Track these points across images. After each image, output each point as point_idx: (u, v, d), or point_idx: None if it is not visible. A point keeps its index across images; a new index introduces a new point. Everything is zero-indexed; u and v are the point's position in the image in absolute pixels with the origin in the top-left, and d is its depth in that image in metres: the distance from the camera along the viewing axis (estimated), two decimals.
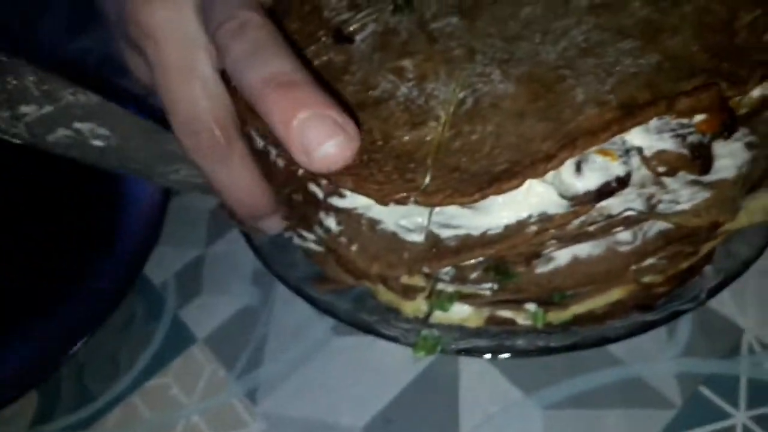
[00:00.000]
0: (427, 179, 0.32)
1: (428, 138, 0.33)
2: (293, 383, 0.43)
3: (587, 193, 0.31)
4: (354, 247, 0.36)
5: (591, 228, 0.32)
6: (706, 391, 0.38)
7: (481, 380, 0.41)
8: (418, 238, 0.34)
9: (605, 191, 0.31)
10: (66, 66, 0.43)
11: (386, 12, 0.39)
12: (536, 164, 0.30)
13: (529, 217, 0.32)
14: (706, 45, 0.33)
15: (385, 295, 0.40)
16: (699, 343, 0.39)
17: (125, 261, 0.47)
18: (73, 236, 0.52)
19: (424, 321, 0.39)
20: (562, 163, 0.30)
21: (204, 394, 0.43)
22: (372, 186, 0.32)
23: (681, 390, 0.38)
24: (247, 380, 0.43)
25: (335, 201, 0.35)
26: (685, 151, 0.31)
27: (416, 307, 0.40)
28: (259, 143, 0.39)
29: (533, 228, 0.32)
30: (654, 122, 0.32)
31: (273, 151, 0.38)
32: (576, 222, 0.32)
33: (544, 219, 0.32)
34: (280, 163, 0.38)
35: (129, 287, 0.47)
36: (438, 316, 0.39)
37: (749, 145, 0.34)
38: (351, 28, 0.39)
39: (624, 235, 0.35)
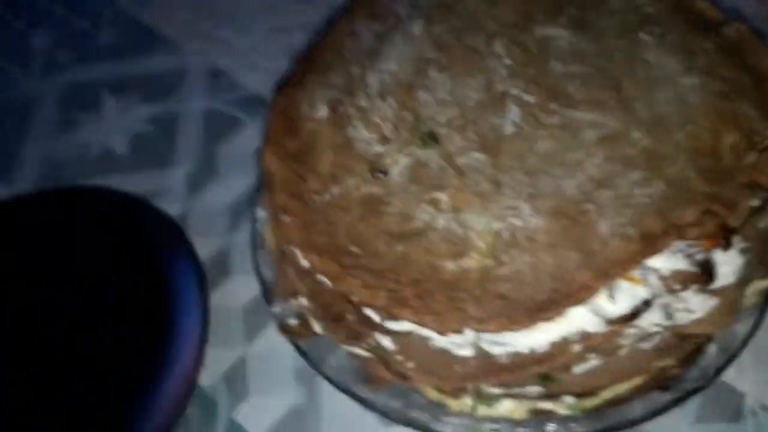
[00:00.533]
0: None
1: (472, 267, 0.38)
2: None
3: (621, 317, 0.36)
4: (410, 365, 0.40)
5: (624, 342, 0.38)
6: None
7: None
8: (467, 352, 0.39)
9: (636, 314, 0.36)
10: None
11: (414, 146, 0.43)
12: (577, 294, 0.35)
13: (572, 334, 0.37)
14: (700, 171, 0.39)
15: (432, 392, 0.45)
16: (707, 410, 0.45)
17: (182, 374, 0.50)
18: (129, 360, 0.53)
19: (472, 415, 0.44)
20: (597, 292, 0.35)
21: None
22: (429, 317, 0.37)
23: None
24: None
25: (390, 325, 0.40)
26: (695, 269, 0.37)
27: (462, 402, 0.45)
28: (305, 263, 0.43)
29: (577, 347, 0.37)
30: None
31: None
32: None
33: (584, 336, 0.37)
34: (328, 282, 0.42)
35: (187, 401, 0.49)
36: (484, 410, 0.44)
37: (743, 251, 0.40)
38: (385, 161, 0.43)
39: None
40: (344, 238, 0.40)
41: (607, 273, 0.35)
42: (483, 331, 0.36)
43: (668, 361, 0.43)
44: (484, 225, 0.39)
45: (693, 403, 0.46)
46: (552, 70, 0.44)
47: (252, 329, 0.55)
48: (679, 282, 0.37)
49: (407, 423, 0.44)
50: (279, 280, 0.50)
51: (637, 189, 0.38)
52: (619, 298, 0.36)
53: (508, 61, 0.45)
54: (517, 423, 0.44)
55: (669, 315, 0.38)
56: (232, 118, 0.70)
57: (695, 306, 0.38)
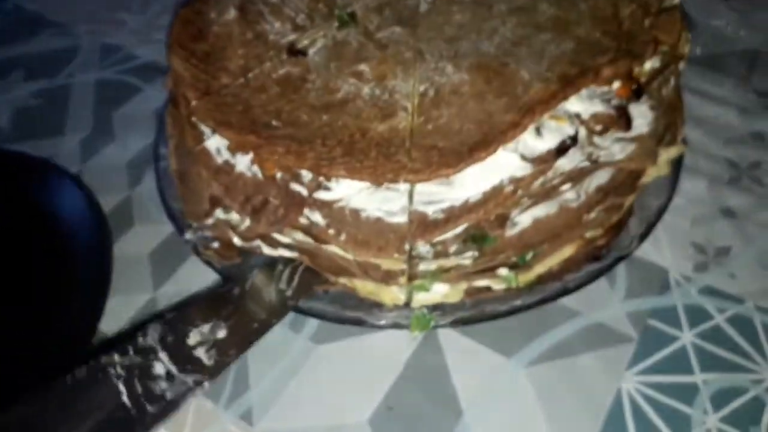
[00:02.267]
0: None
1: (401, 126, 0.37)
2: (287, 397, 0.43)
3: (549, 152, 0.36)
4: (342, 236, 0.38)
5: (555, 181, 0.38)
6: (654, 322, 0.44)
7: (465, 355, 0.44)
8: (401, 219, 0.38)
9: (562, 149, 0.36)
10: None
11: (332, 29, 0.43)
12: (506, 132, 0.35)
13: (501, 181, 0.37)
14: (604, 31, 0.41)
15: (364, 288, 0.43)
16: (636, 287, 0.46)
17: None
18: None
19: (407, 306, 0.42)
20: (526, 128, 0.35)
21: (194, 428, 0.42)
22: (365, 171, 0.35)
23: (634, 325, 0.44)
24: (237, 406, 0.43)
25: (321, 195, 0.38)
26: (612, 112, 0.38)
27: (395, 296, 0.42)
28: (219, 160, 0.41)
29: (509, 188, 0.36)
30: (585, 91, 0.38)
31: (242, 163, 0.40)
32: (539, 182, 0.38)
33: (515, 180, 0.37)
34: (249, 173, 0.40)
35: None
36: (419, 299, 0.42)
37: (652, 107, 0.42)
38: (301, 45, 0.43)
39: (570, 194, 0.41)
40: (263, 114, 0.39)
41: (532, 110, 0.36)
42: (418, 180, 0.35)
43: (596, 232, 0.44)
44: (409, 88, 0.38)
45: (622, 283, 0.46)
46: None
47: (160, 275, 0.51)
48: (599, 123, 0.38)
49: (345, 321, 0.42)
50: (187, 207, 0.47)
51: (550, 45, 0.40)
52: (546, 135, 0.36)
53: None
54: (454, 308, 0.42)
55: (593, 161, 0.38)
56: (126, 85, 0.68)
57: (616, 151, 0.39)
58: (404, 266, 0.40)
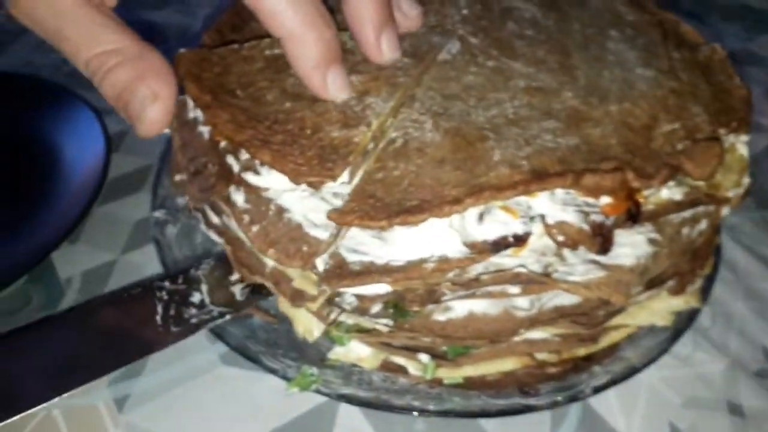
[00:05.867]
0: (342, 203, 0.33)
1: (356, 139, 0.34)
2: (166, 400, 0.41)
3: (484, 242, 0.31)
4: (255, 228, 0.35)
5: (484, 277, 0.33)
6: None
7: None
8: (321, 234, 0.34)
9: (502, 244, 0.31)
10: None
11: (346, 35, 0.41)
12: (442, 205, 0.31)
13: (431, 256, 0.33)
14: (623, 141, 0.35)
15: (282, 303, 0.40)
16: None
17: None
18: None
19: (322, 360, 0.39)
20: (466, 208, 0.31)
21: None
22: (289, 164, 0.32)
23: None
24: (119, 387, 0.41)
25: (249, 176, 0.35)
26: (585, 227, 0.33)
27: (308, 327, 0.39)
28: (191, 114, 0.40)
29: (431, 265, 0.32)
30: (561, 194, 0.33)
31: (201, 121, 0.38)
32: (472, 272, 0.33)
33: (443, 260, 0.32)
34: (205, 133, 0.38)
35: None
36: (335, 352, 0.39)
37: (652, 241, 0.35)
38: None
39: (522, 301, 0.35)
40: (234, 81, 0.37)
41: (480, 192, 0.31)
42: (341, 222, 0.32)
43: (549, 356, 0.37)
44: (385, 109, 0.35)
45: (570, 428, 0.39)
46: (506, 28, 0.42)
47: (134, 242, 0.51)
48: (563, 234, 0.32)
49: (240, 350, 0.39)
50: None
51: (548, 135, 0.35)
52: (488, 223, 0.31)
53: (465, 11, 0.43)
54: (358, 382, 0.38)
55: (546, 273, 0.33)
56: None
57: (578, 272, 0.33)
58: (315, 292, 0.36)
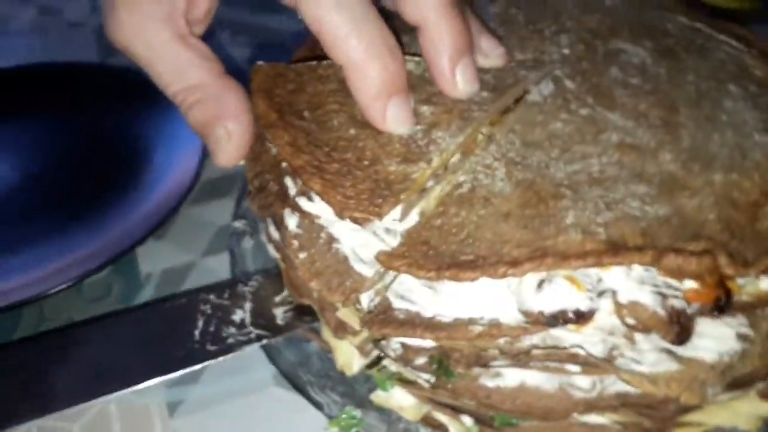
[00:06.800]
0: (396, 242, 0.31)
1: (414, 176, 0.32)
2: (214, 413, 0.41)
3: (540, 314, 0.29)
4: (302, 255, 0.34)
5: (536, 351, 0.30)
6: None
7: None
8: (367, 271, 0.33)
9: (560, 318, 0.29)
10: None
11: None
12: (498, 265, 0.29)
13: (481, 318, 0.30)
14: (723, 217, 0.31)
15: (326, 331, 0.39)
16: None
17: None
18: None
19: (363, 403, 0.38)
20: (524, 273, 0.29)
21: None
22: (337, 196, 0.31)
23: None
24: (174, 392, 0.42)
25: (302, 202, 0.35)
26: (661, 312, 0.29)
27: (348, 360, 0.38)
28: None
29: (479, 328, 0.30)
30: (639, 271, 0.30)
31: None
32: (525, 342, 0.30)
33: (494, 324, 0.30)
34: (273, 149, 0.38)
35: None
36: (378, 395, 0.37)
37: (742, 337, 0.31)
38: None
39: (583, 381, 0.32)
40: (304, 101, 0.36)
41: (543, 258, 0.28)
42: (387, 266, 0.31)
43: None
44: (451, 145, 0.33)
45: None
46: (608, 74, 0.39)
47: (214, 247, 0.53)
48: (634, 316, 0.29)
49: (289, 376, 0.39)
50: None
51: (635, 201, 0.31)
52: (547, 293, 0.29)
53: (566, 51, 0.40)
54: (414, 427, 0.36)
55: (610, 356, 0.30)
56: None
57: (647, 360, 0.29)
58: (358, 327, 0.35)
